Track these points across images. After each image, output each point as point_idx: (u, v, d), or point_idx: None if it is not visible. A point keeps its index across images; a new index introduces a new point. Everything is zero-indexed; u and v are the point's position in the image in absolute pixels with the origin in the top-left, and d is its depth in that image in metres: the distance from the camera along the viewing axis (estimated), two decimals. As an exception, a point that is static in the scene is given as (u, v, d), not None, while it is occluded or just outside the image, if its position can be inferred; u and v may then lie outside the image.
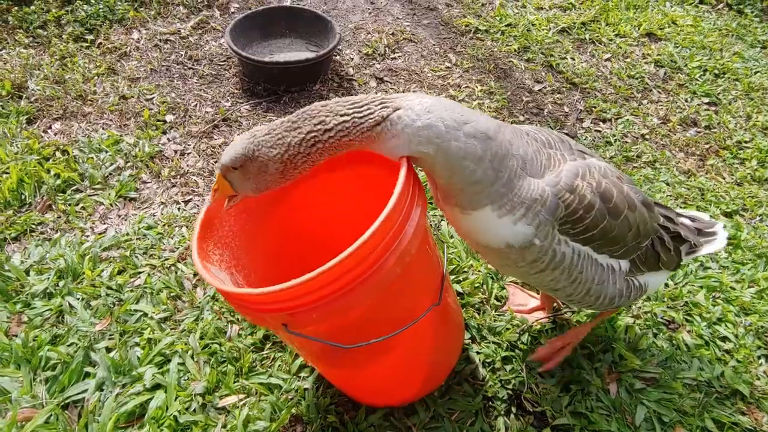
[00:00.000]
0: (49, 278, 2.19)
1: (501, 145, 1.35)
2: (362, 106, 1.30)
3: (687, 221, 1.83)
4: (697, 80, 3.58)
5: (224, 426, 1.77)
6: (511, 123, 3.17)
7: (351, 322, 1.26)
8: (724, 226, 1.87)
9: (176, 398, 1.82)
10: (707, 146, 3.10)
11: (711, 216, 1.98)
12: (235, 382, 1.89)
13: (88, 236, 2.44)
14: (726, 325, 2.13)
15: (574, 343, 1.95)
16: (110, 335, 2.01)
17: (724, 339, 2.10)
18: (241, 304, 1.28)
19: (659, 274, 1.75)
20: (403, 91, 3.39)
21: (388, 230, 1.21)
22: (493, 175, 1.35)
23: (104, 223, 2.52)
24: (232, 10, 4.06)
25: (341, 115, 1.29)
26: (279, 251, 1.72)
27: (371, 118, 1.29)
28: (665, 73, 3.64)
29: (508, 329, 2.08)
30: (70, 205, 2.56)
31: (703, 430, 1.81)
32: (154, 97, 3.25)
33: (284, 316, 1.22)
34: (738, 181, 2.88)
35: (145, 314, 2.09)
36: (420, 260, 1.44)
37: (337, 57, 3.65)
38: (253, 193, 1.38)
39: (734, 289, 2.27)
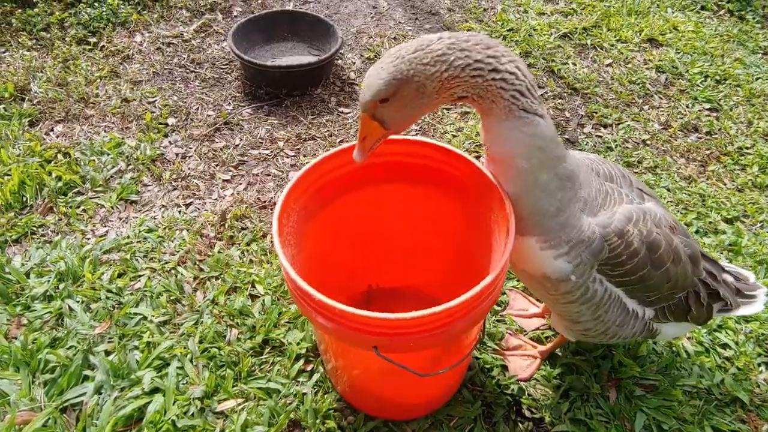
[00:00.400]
0: (49, 281, 2.20)
1: (573, 188, 1.39)
2: (534, 88, 1.29)
3: (730, 278, 1.80)
4: (699, 86, 3.58)
5: (222, 430, 1.77)
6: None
7: (427, 352, 1.36)
8: (766, 291, 1.83)
9: (174, 402, 1.82)
10: (708, 152, 3.10)
11: (755, 275, 1.93)
12: (233, 387, 1.89)
13: (88, 239, 2.44)
14: (726, 332, 2.13)
15: (545, 355, 1.98)
16: (109, 338, 2.02)
17: (725, 346, 2.09)
18: (341, 320, 1.29)
19: (681, 325, 1.73)
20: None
21: (492, 286, 1.32)
22: (554, 212, 1.39)
23: (105, 226, 2.52)
24: (235, 13, 4.08)
25: (513, 66, 1.25)
26: (320, 253, 1.78)
27: (531, 103, 1.28)
28: (666, 79, 3.64)
29: (506, 335, 2.07)
30: (71, 207, 2.57)
31: (703, 438, 1.80)
32: (156, 100, 3.26)
33: (383, 339, 1.28)
34: (739, 187, 2.88)
35: (145, 318, 2.09)
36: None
37: (339, 61, 3.66)
38: (405, 127, 1.36)
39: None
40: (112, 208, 2.60)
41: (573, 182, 1.39)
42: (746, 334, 2.12)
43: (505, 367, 1.97)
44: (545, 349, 1.97)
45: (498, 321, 2.15)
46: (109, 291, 2.18)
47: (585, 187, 1.42)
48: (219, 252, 2.38)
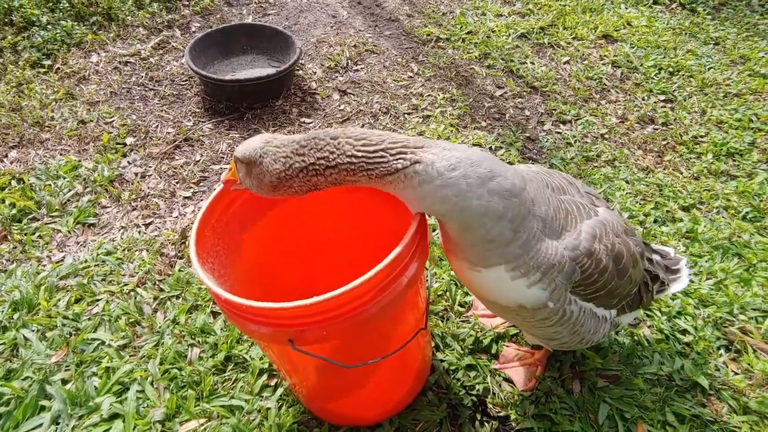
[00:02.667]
0: (3, 311, 2.14)
1: (524, 204, 1.30)
2: (374, 152, 1.21)
3: (659, 258, 1.86)
4: (653, 79, 3.66)
5: (184, 452, 1.74)
6: (474, 128, 3.20)
7: (351, 342, 1.32)
8: (687, 263, 1.91)
9: (134, 427, 1.78)
10: (664, 142, 3.17)
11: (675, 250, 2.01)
12: (195, 407, 1.85)
13: (44, 265, 2.39)
14: (685, 318, 2.16)
15: (543, 360, 1.98)
16: (66, 366, 1.97)
17: (684, 332, 2.12)
18: (250, 317, 1.27)
19: (634, 312, 1.77)
20: (366, 103, 3.41)
21: (393, 266, 1.26)
22: (510, 235, 1.29)
23: (62, 251, 2.47)
24: (193, 29, 4.06)
25: (348, 156, 1.21)
26: (259, 262, 1.74)
27: (382, 168, 1.21)
28: (622, 73, 3.72)
29: (471, 335, 2.08)
30: (26, 234, 2.51)
31: (665, 424, 1.82)
32: (113, 120, 3.21)
33: (295, 332, 1.25)
34: (695, 175, 2.94)
35: (103, 342, 2.05)
36: (413, 295, 1.50)
37: (300, 71, 3.66)
38: (252, 190, 1.38)
39: (692, 282, 2.30)
40: (69, 232, 2.54)
41: (519, 197, 1.28)
42: (704, 318, 2.16)
43: (509, 380, 1.96)
44: (541, 355, 1.96)
45: (462, 321, 2.15)
46: (65, 317, 2.13)
47: (540, 204, 1.34)
48: (179, 270, 2.34)
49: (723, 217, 2.66)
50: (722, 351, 2.08)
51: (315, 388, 1.64)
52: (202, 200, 2.75)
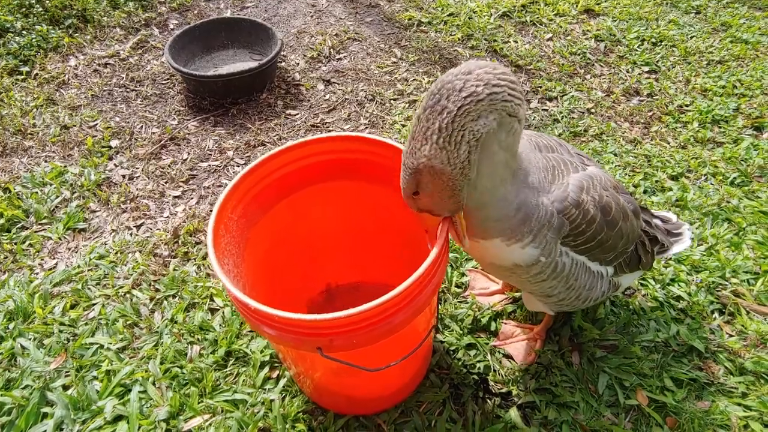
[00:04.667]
0: (-2, 321, 2.12)
1: (528, 184, 1.36)
2: (515, 87, 1.17)
3: (659, 222, 1.89)
4: (637, 50, 3.66)
5: (191, 449, 1.74)
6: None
7: (375, 346, 1.34)
8: (690, 227, 1.94)
9: (139, 428, 1.78)
10: (650, 113, 3.18)
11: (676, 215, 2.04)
12: (199, 403, 1.86)
13: (37, 273, 2.37)
14: (679, 285, 2.19)
15: (542, 333, 1.99)
16: (66, 372, 1.96)
17: (678, 298, 2.15)
18: (279, 326, 1.27)
19: (634, 274, 1.79)
20: (351, 91, 3.39)
21: (427, 276, 1.31)
22: (512, 213, 1.36)
23: (53, 258, 2.45)
24: (171, 26, 4.00)
25: (493, 85, 1.13)
26: (270, 260, 1.76)
27: (515, 105, 1.17)
28: (605, 47, 3.72)
29: (469, 315, 2.09)
30: (16, 243, 2.48)
31: (663, 389, 1.85)
32: (97, 124, 3.17)
33: (325, 341, 1.27)
34: (682, 144, 2.96)
35: (102, 346, 2.04)
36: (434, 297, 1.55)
37: (282, 63, 3.63)
38: (450, 211, 1.33)
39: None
40: (59, 239, 2.52)
41: (527, 181, 1.36)
42: (697, 284, 2.19)
43: (509, 356, 1.97)
44: (540, 328, 1.98)
45: (460, 302, 2.16)
46: (62, 324, 2.12)
47: (533, 172, 1.39)
48: (174, 270, 2.33)
49: (711, 183, 2.68)
50: (716, 314, 2.11)
51: (323, 378, 1.64)
52: (192, 199, 2.73)
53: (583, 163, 1.58)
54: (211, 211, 2.65)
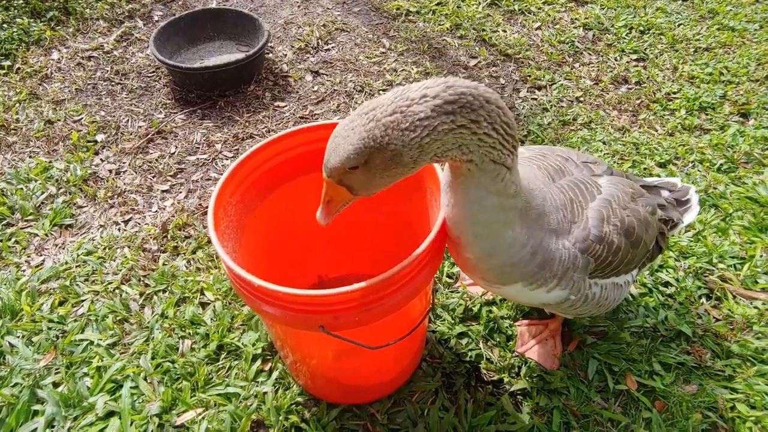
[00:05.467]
0: (-15, 320, 2.09)
1: (542, 225, 1.32)
2: (510, 135, 1.11)
3: (666, 194, 1.81)
4: (625, 38, 3.67)
5: (184, 443, 1.74)
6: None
7: (374, 325, 1.35)
8: (694, 189, 1.90)
9: (131, 423, 1.78)
10: (639, 101, 3.19)
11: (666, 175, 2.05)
12: (191, 397, 1.85)
13: (24, 271, 2.34)
14: (667, 271, 2.21)
15: (558, 329, 1.99)
16: (56, 369, 1.94)
17: (666, 284, 2.18)
18: (284, 304, 1.28)
19: (656, 259, 1.82)
20: (340, 82, 3.36)
21: (425, 256, 1.31)
22: (529, 258, 1.32)
23: (41, 255, 2.41)
24: (156, 18, 3.93)
25: (497, 125, 1.07)
26: (265, 247, 1.76)
27: (503, 154, 1.12)
28: (594, 35, 3.72)
29: (460, 305, 2.10)
30: (1, 240, 2.45)
31: (652, 373, 1.88)
32: (82, 118, 3.12)
33: (329, 318, 1.28)
34: (669, 131, 2.98)
35: (92, 342, 2.03)
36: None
37: (270, 55, 3.59)
38: (378, 191, 1.18)
39: (672, 235, 2.35)
40: (46, 235, 2.49)
41: (541, 221, 1.30)
42: (685, 270, 2.22)
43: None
44: (556, 325, 1.97)
45: (451, 292, 2.17)
46: (50, 321, 2.10)
47: (552, 213, 1.34)
48: (164, 264, 2.31)
49: (698, 170, 2.71)
50: (703, 299, 2.14)
51: (321, 364, 1.65)
52: (180, 193, 2.71)
53: (593, 175, 1.53)
54: (200, 205, 2.63)
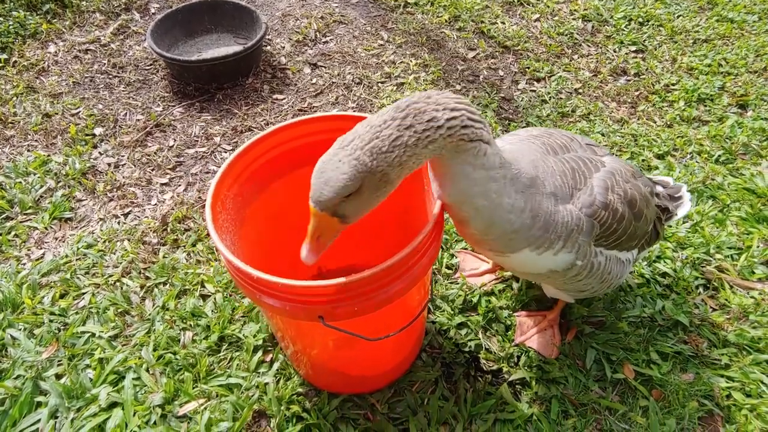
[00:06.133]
0: (-14, 313, 2.10)
1: (538, 190, 1.37)
2: (473, 112, 1.20)
3: (660, 189, 1.90)
4: (624, 30, 3.66)
5: (187, 433, 1.76)
6: (453, 91, 3.17)
7: (373, 316, 1.36)
8: (686, 187, 1.97)
9: (134, 413, 1.79)
10: (637, 93, 3.19)
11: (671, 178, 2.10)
12: (194, 388, 1.87)
13: (24, 264, 2.34)
14: (665, 262, 2.23)
15: (557, 319, 2.01)
16: (59, 361, 1.96)
17: (664, 275, 2.19)
18: (282, 295, 1.29)
19: (654, 245, 1.84)
20: (338, 75, 3.35)
21: (424, 245, 1.34)
22: (530, 222, 1.37)
23: (40, 248, 2.42)
24: (153, 10, 3.91)
25: (451, 110, 1.16)
26: (263, 240, 1.77)
27: (472, 132, 1.18)
28: (593, 27, 3.71)
29: (460, 296, 2.11)
30: (1, 234, 2.45)
31: (649, 362, 1.90)
32: (79, 111, 3.11)
33: (327, 308, 1.29)
34: (668, 123, 2.99)
35: (93, 334, 2.04)
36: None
37: (268, 47, 3.57)
38: (364, 214, 1.24)
39: (670, 226, 2.36)
40: (45, 228, 2.49)
41: (535, 185, 1.36)
42: (683, 260, 2.23)
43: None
44: (554, 315, 1.99)
45: (450, 283, 2.18)
46: (52, 313, 2.11)
47: (548, 180, 1.40)
48: (164, 257, 2.32)
49: (696, 161, 2.72)
50: (701, 289, 2.16)
51: (321, 355, 1.66)
52: (179, 186, 2.71)
53: (596, 155, 1.59)
54: (199, 198, 2.63)
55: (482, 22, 3.74)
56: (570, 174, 1.46)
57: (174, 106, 3.17)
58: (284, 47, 3.59)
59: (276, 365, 1.92)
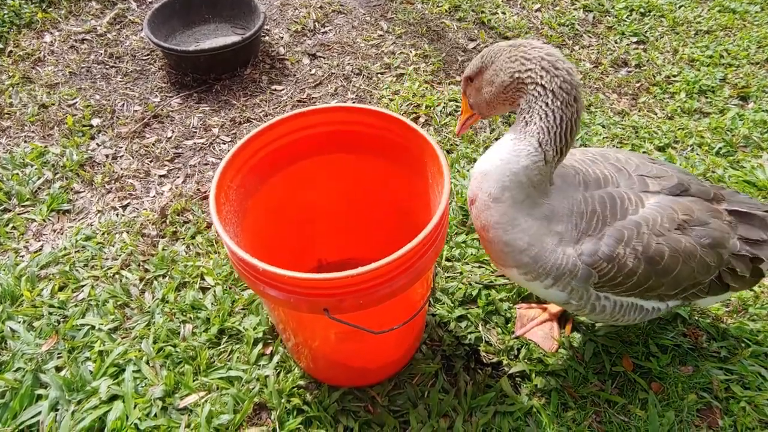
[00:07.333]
0: (-15, 305, 2.10)
1: (549, 223, 1.41)
2: (577, 118, 1.34)
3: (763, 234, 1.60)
4: (625, 21, 3.63)
5: (188, 425, 1.76)
6: (449, 83, 3.15)
7: (377, 309, 1.37)
8: None
9: (135, 406, 1.79)
10: (638, 84, 3.18)
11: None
12: (194, 381, 1.87)
13: (22, 256, 2.33)
14: (665, 255, 2.23)
15: (558, 313, 2.00)
16: (59, 354, 1.95)
17: (664, 268, 2.19)
18: (289, 287, 1.29)
19: (723, 294, 1.64)
20: (338, 65, 3.33)
21: (430, 238, 1.35)
22: (523, 246, 1.41)
23: (39, 240, 2.41)
24: (150, 0, 3.86)
25: (560, 113, 1.31)
26: (265, 231, 1.78)
27: (553, 145, 1.34)
28: (594, 18, 3.68)
29: (460, 289, 2.11)
30: (-1, 226, 2.44)
31: (648, 355, 1.90)
32: (76, 102, 3.08)
33: (333, 301, 1.30)
34: (669, 114, 2.97)
35: (93, 327, 2.03)
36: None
37: (266, 37, 3.54)
38: (485, 111, 1.48)
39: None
40: (44, 220, 2.48)
41: (549, 220, 1.40)
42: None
43: (528, 345, 1.96)
44: (557, 310, 1.97)
45: (450, 276, 2.18)
46: (51, 306, 2.10)
47: (564, 217, 1.41)
48: (163, 249, 2.31)
49: (697, 154, 2.71)
50: (700, 283, 2.15)
51: (323, 347, 1.66)
52: (178, 177, 2.69)
53: (643, 191, 1.48)
54: (198, 190, 2.62)
55: (483, 12, 3.70)
56: (586, 218, 1.41)
57: (172, 96, 3.14)
58: (283, 37, 3.56)
59: (276, 358, 1.92)
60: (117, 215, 2.50)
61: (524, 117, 1.35)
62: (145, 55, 3.42)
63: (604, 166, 1.52)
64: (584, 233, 1.41)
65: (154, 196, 2.60)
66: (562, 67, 1.29)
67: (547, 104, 1.30)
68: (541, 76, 1.29)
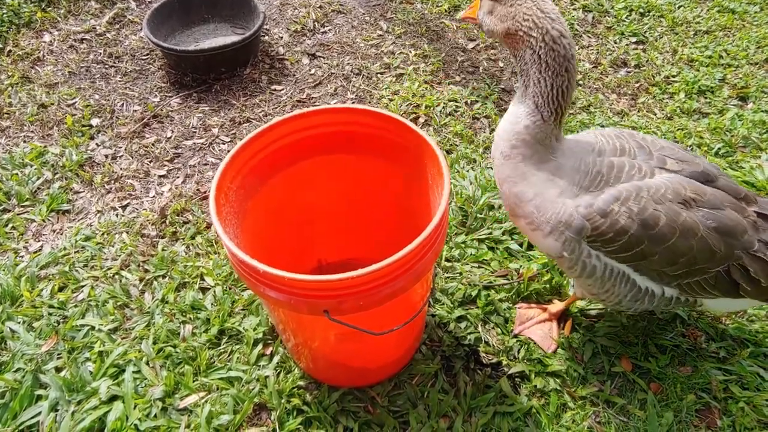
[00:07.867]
0: (-15, 306, 2.09)
1: (553, 180, 1.51)
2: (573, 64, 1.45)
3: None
4: (624, 21, 3.63)
5: (188, 426, 1.76)
6: (448, 83, 3.16)
7: (377, 310, 1.37)
8: None
9: (135, 407, 1.79)
10: (638, 85, 3.18)
11: None
12: (194, 381, 1.87)
13: (22, 256, 2.33)
14: (664, 255, 2.23)
15: (558, 314, 2.00)
16: (58, 354, 1.95)
17: (663, 268, 2.20)
18: (288, 289, 1.29)
19: (737, 301, 1.60)
20: (337, 65, 3.32)
21: (430, 240, 1.36)
22: (530, 196, 1.53)
23: (38, 241, 2.41)
24: (149, -1, 3.86)
25: (559, 81, 1.44)
26: (265, 232, 1.78)
27: (548, 105, 1.47)
28: (593, 18, 3.68)
29: (460, 289, 2.12)
30: (-2, 226, 2.44)
31: (647, 355, 1.91)
32: (75, 102, 3.08)
33: (333, 303, 1.30)
34: (668, 115, 2.98)
35: (93, 328, 2.03)
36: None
37: (266, 37, 3.54)
38: (484, 29, 1.58)
39: None
40: (43, 221, 2.47)
41: (554, 174, 1.51)
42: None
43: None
44: (557, 310, 1.98)
45: (449, 277, 2.19)
46: (51, 306, 2.10)
47: (565, 174, 1.52)
48: (163, 250, 2.31)
49: (696, 154, 2.71)
50: (699, 283, 2.16)
51: (323, 347, 1.67)
52: (177, 178, 2.69)
53: (659, 167, 1.52)
54: (197, 190, 2.62)
55: (482, 12, 3.70)
56: (592, 176, 1.51)
57: (171, 96, 3.14)
58: (282, 37, 3.56)
59: (276, 358, 1.92)
60: (116, 215, 2.50)
61: (524, 80, 1.49)
62: (144, 55, 3.42)
63: (627, 140, 1.61)
64: (585, 189, 1.51)
65: (153, 197, 2.60)
66: (561, 42, 1.40)
67: (540, 71, 1.42)
68: (541, 47, 1.40)
